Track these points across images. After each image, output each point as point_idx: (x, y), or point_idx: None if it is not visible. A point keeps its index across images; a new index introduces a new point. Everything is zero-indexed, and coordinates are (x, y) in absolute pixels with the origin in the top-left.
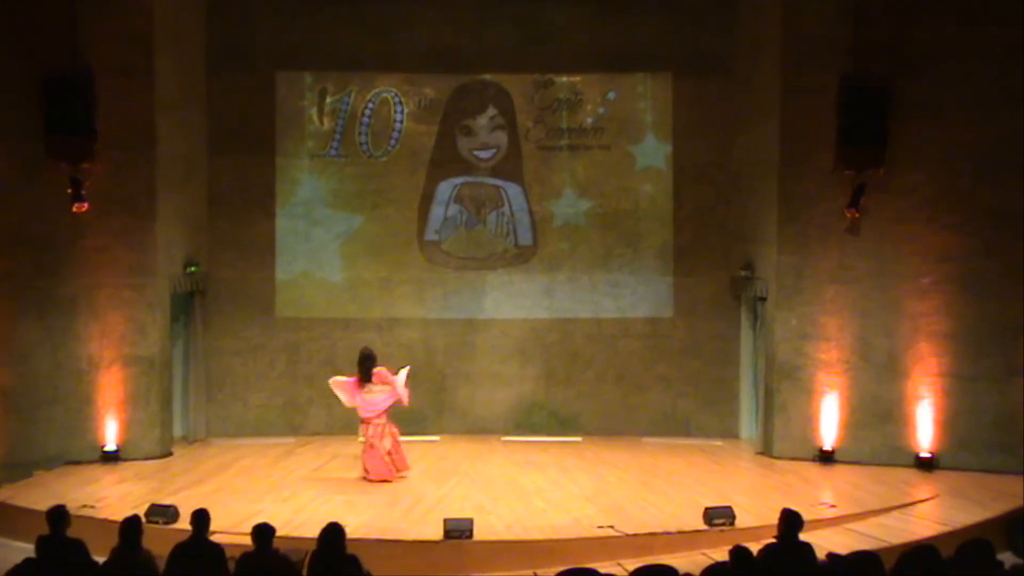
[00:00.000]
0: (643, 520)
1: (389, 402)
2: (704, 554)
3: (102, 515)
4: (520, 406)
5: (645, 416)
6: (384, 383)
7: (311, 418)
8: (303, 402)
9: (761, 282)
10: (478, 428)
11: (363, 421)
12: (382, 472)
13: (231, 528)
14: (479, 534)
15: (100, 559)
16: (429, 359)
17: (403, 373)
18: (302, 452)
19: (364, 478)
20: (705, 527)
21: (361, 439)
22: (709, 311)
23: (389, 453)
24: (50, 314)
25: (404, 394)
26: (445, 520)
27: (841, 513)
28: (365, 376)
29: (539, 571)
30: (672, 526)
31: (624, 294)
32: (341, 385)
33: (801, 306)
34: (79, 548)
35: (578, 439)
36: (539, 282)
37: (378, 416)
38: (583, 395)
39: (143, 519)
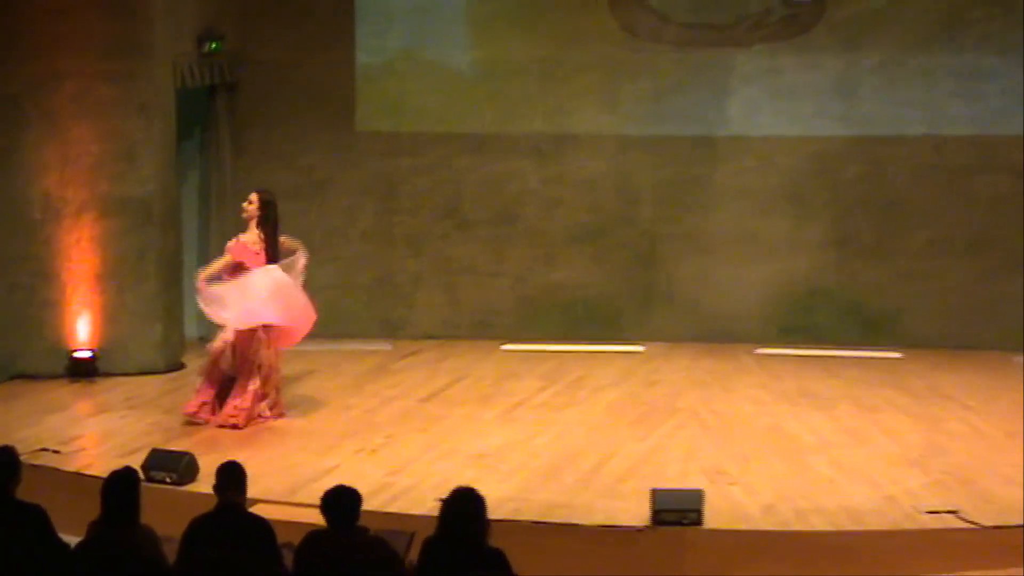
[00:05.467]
0: (1013, 503)
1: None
2: None
3: (72, 465)
4: (790, 294)
5: (1021, 318)
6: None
7: (418, 310)
8: (405, 282)
9: None
10: (713, 332)
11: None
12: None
13: (283, 495)
14: (714, 518)
15: (70, 538)
16: (627, 210)
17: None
18: (403, 369)
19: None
20: None
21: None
22: None
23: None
24: None
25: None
26: (654, 492)
27: None
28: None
29: None
30: None
31: (987, 92)
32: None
33: None
34: (35, 519)
35: (896, 355)
36: (827, 69)
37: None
38: (906, 276)
39: (140, 474)
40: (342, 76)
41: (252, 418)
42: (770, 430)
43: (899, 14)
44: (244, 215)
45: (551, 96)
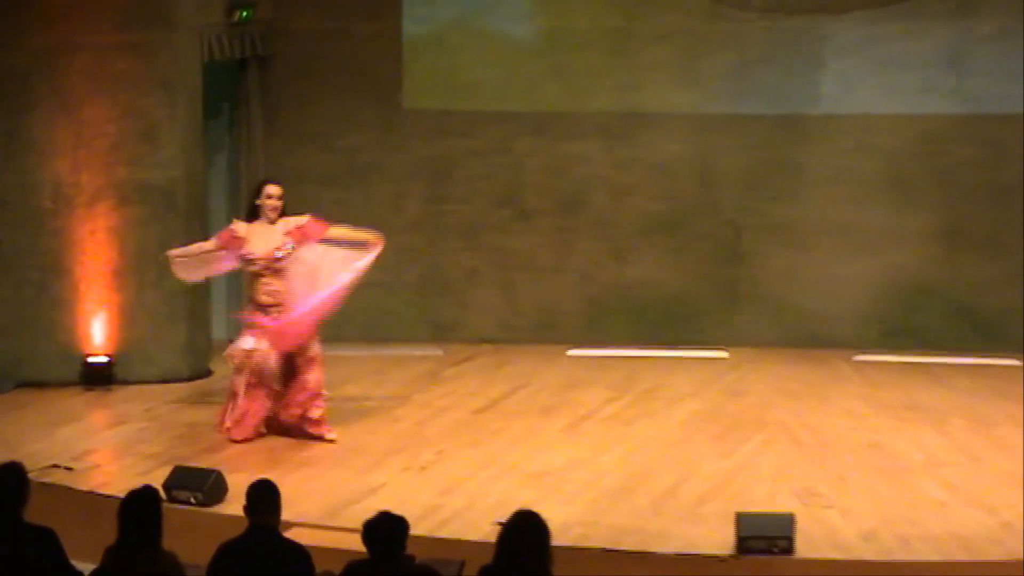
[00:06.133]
0: None
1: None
2: None
3: (86, 484)
4: (892, 293)
5: None
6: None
7: (473, 311)
8: (457, 279)
9: None
10: (805, 336)
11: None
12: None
13: (321, 518)
14: (807, 546)
15: (84, 565)
16: (708, 198)
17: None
18: (456, 376)
19: (231, 437)
20: None
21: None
22: None
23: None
24: None
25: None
26: (739, 516)
27: None
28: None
29: None
30: None
31: None
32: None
33: None
34: (45, 543)
35: (1014, 362)
36: (935, 39)
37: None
38: None
39: (162, 494)
40: (387, 48)
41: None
42: (871, 447)
43: None
44: (273, 212)
45: (622, 70)
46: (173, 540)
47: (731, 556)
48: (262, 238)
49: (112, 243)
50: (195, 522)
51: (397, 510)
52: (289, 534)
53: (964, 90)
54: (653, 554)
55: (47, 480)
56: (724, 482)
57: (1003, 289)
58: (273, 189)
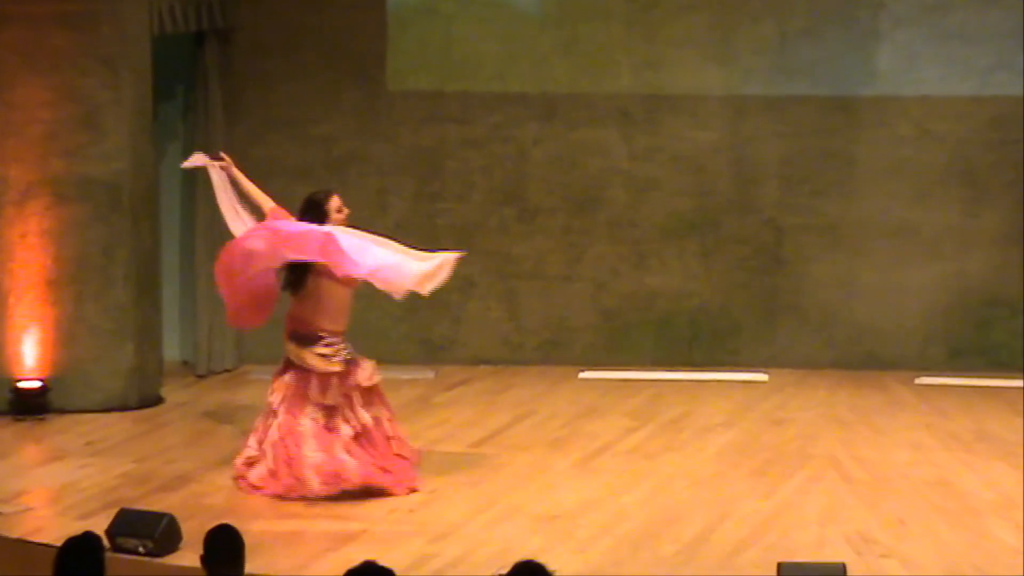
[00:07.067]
0: None
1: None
2: None
3: (17, 530)
4: (960, 305)
5: None
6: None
7: (469, 326)
8: (451, 290)
9: None
10: (856, 357)
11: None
12: (352, 476)
13: (292, 569)
14: None
15: None
16: (744, 194)
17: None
18: (449, 403)
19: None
20: None
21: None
22: None
23: (362, 435)
24: None
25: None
26: (781, 566)
27: None
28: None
29: None
30: None
31: None
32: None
33: None
34: None
35: None
36: (1010, 7)
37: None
38: None
39: (105, 542)
40: (370, 19)
41: None
42: (934, 484)
43: None
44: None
45: (643, 45)
46: None
47: None
48: None
49: (46, 248)
50: (144, 574)
51: (382, 560)
52: None
53: None
54: None
55: None
56: (764, 526)
57: None
58: (336, 200)
